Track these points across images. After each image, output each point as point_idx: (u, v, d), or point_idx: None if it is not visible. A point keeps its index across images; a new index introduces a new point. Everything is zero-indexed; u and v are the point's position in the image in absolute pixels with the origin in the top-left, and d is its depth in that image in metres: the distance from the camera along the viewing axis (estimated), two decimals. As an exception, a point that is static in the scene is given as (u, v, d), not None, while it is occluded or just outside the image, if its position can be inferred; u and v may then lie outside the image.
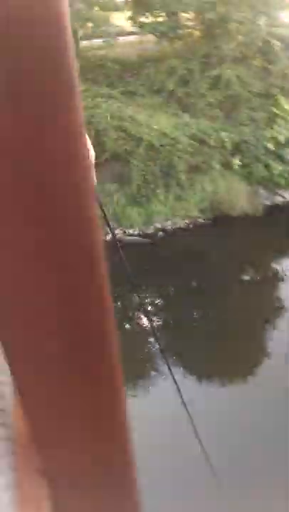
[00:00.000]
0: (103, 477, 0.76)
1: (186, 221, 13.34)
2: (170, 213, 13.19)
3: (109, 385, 0.67)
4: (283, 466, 7.07)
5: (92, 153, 1.48)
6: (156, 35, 16.82)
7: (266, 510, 6.49)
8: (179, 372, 9.01)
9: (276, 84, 16.41)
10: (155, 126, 13.71)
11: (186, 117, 14.69)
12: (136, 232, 12.87)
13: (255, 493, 6.62)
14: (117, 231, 12.91)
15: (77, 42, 17.44)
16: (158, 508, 6.41)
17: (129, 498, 0.85)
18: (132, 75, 16.37)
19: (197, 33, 17.27)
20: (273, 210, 13.92)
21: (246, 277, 11.72)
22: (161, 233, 13.03)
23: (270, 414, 8.07)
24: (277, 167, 14.85)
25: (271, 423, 7.86)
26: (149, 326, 10.27)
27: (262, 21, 17.62)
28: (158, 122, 13.99)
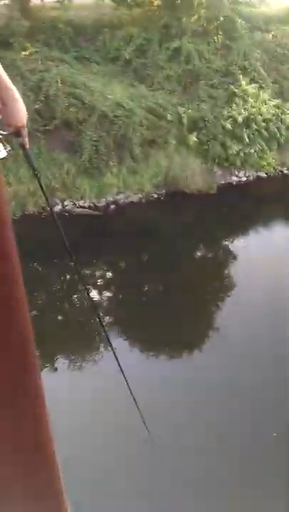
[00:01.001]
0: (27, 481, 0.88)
1: (139, 195, 14.07)
2: (123, 187, 13.85)
3: (28, 391, 0.82)
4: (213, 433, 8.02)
5: (23, 113, 1.50)
6: (113, 0, 17.31)
7: (196, 466, 7.38)
8: (124, 346, 9.73)
9: (236, 62, 17.46)
10: (110, 96, 14.25)
11: (143, 89, 15.38)
12: (87, 204, 13.42)
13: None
14: (66, 202, 13.40)
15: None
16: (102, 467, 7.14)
17: (54, 499, 0.96)
18: (86, 40, 16.77)
19: (157, 2, 17.95)
20: (227, 189, 14.97)
21: (197, 254, 12.66)
22: (113, 206, 13.67)
23: (212, 387, 8.94)
24: (234, 147, 15.91)
25: (210, 395, 8.73)
26: (97, 300, 10.90)
27: (225, -4, 18.67)
28: (113, 92, 14.55)
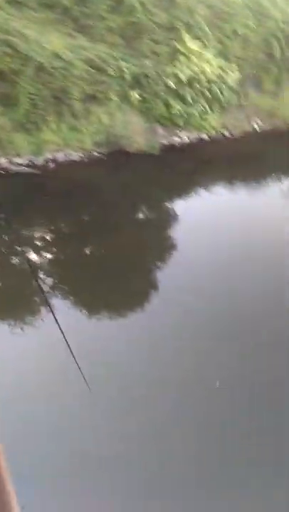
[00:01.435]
0: None
1: (80, 154, 13.50)
2: (63, 144, 13.21)
3: None
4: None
5: None
6: None
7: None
8: (65, 306, 9.52)
9: (181, 18, 16.90)
10: (47, 46, 13.35)
11: (83, 40, 14.51)
12: (24, 162, 12.69)
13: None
14: (1, 160, 12.60)
15: None
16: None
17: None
18: (21, -18, 15.44)
19: None
20: (170, 149, 14.76)
21: (139, 215, 12.49)
22: (52, 165, 13.03)
23: (156, 342, 9.04)
24: (177, 106, 15.63)
25: (155, 352, 8.82)
26: (36, 262, 10.52)
27: None
28: (50, 41, 13.62)
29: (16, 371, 7.73)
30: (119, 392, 7.79)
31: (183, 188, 14.43)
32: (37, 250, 10.92)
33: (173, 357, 8.66)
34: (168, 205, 13.22)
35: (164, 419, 7.47)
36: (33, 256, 10.67)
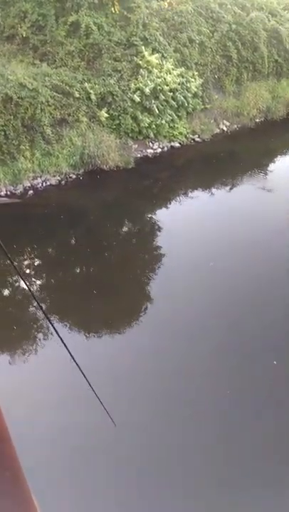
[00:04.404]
0: None
1: (57, 178, 13.59)
2: (39, 170, 13.29)
3: None
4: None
5: None
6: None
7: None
8: (66, 330, 9.56)
9: (136, 33, 17.17)
10: (11, 77, 13.45)
11: (45, 67, 14.67)
12: (3, 193, 12.74)
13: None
14: (-20, 193, 12.61)
15: None
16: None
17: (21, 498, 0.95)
18: (-23, 18, 15.59)
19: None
20: (144, 161, 14.93)
21: (123, 230, 12.60)
22: (31, 192, 13.09)
23: (157, 356, 9.11)
24: (145, 119, 15.83)
25: (157, 365, 8.89)
26: (28, 290, 10.53)
27: None
28: (13, 72, 13.73)
29: (30, 394, 7.73)
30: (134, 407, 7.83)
31: (161, 196, 14.60)
32: (30, 277, 10.93)
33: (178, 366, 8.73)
34: (150, 215, 13.36)
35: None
36: (25, 283, 10.68)
